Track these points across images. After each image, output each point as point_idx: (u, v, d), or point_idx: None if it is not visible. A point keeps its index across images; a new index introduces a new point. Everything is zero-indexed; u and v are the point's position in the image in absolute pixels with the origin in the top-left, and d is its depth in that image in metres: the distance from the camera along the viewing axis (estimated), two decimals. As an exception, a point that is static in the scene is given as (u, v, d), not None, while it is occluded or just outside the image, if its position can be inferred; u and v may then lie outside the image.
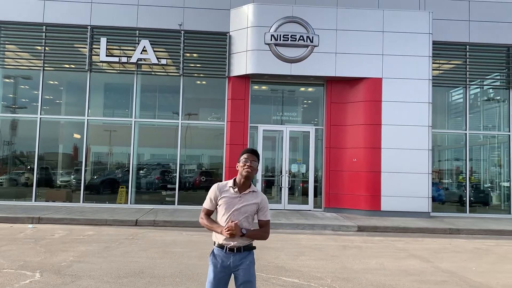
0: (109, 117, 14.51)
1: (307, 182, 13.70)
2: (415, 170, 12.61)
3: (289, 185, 13.56)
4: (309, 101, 15.10)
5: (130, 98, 13.67)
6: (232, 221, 3.14)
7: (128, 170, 13.61)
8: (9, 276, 5.63)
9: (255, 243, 3.28)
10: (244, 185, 3.26)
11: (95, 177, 14.22)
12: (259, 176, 13.47)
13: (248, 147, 13.10)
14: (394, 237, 9.77)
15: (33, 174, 13.33)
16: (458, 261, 7.44)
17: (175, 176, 13.68)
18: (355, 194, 12.79)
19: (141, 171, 14.17)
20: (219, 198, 3.24)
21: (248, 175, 3.21)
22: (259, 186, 13.46)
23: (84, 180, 13.43)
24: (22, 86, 14.22)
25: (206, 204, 3.32)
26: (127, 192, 13.41)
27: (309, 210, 13.33)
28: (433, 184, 13.20)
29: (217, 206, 3.26)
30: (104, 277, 5.74)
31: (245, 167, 3.21)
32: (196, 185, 14.14)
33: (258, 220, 3.30)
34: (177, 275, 5.96)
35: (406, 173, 12.56)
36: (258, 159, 3.29)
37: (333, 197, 13.16)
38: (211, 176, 14.26)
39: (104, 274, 5.89)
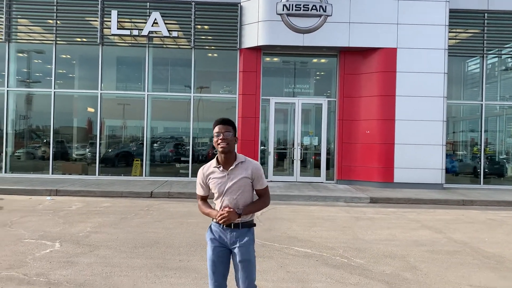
0: (122, 91, 14.57)
1: (319, 154, 13.71)
2: (429, 141, 12.51)
3: (301, 158, 13.59)
4: (322, 73, 14.92)
5: (142, 71, 13.68)
6: (224, 207, 2.91)
7: (142, 143, 13.76)
8: (30, 245, 5.83)
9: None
10: (227, 161, 2.94)
11: (110, 150, 14.43)
12: (271, 148, 13.52)
13: (260, 119, 13.11)
14: (407, 209, 9.80)
15: (49, 147, 13.59)
16: (471, 232, 7.45)
17: (188, 149, 13.80)
18: (367, 166, 12.79)
19: (155, 144, 14.32)
20: (208, 181, 3.01)
21: (224, 149, 2.86)
22: (271, 158, 13.52)
23: (99, 153, 13.65)
24: (36, 61, 14.31)
25: (198, 191, 3.10)
26: (141, 165, 13.61)
27: (321, 182, 13.39)
28: (447, 155, 13.11)
29: (210, 189, 3.04)
30: (121, 247, 5.91)
31: (218, 142, 2.86)
32: (209, 158, 14.24)
33: (255, 190, 3.02)
34: (192, 244, 6.10)
35: (419, 144, 12.47)
36: (233, 127, 2.93)
37: (346, 169, 13.18)
38: (223, 148, 14.33)
39: (121, 244, 6.06)
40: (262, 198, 3.06)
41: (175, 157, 14.29)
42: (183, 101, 14.00)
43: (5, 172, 13.45)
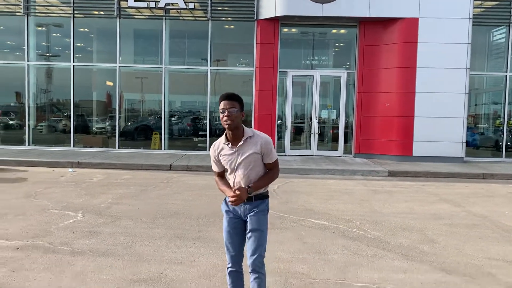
0: (139, 64, 14.59)
1: (337, 128, 13.60)
2: (449, 114, 12.27)
3: (318, 131, 13.51)
4: (341, 44, 14.62)
5: (159, 44, 13.64)
6: (235, 186, 2.92)
7: (161, 117, 13.87)
8: (54, 216, 6.02)
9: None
10: (235, 137, 2.90)
11: (129, 123, 14.59)
12: (288, 122, 13.46)
13: (277, 93, 13.01)
14: (425, 182, 9.73)
15: (69, 121, 13.82)
16: (490, 206, 7.38)
17: (205, 123, 13.86)
18: (386, 140, 12.66)
19: (172, 118, 14.41)
20: (219, 158, 3.01)
21: (230, 125, 2.81)
22: (288, 132, 13.48)
23: (119, 127, 13.83)
24: (54, 34, 14.37)
25: (213, 167, 3.11)
26: (160, 139, 13.76)
27: (339, 156, 13.34)
28: (468, 128, 12.86)
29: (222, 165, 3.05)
30: (141, 217, 6.05)
31: (223, 120, 2.81)
32: (226, 132, 14.27)
33: (265, 163, 2.98)
34: (210, 216, 6.20)
35: (440, 117, 12.25)
36: (239, 102, 2.85)
37: (364, 143, 13.07)
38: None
39: (142, 215, 6.20)
40: (271, 172, 3.01)
41: (192, 131, 14.37)
42: (200, 74, 13.96)
43: (28, 144, 13.79)
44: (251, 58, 13.44)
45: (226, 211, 3.04)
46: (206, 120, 13.82)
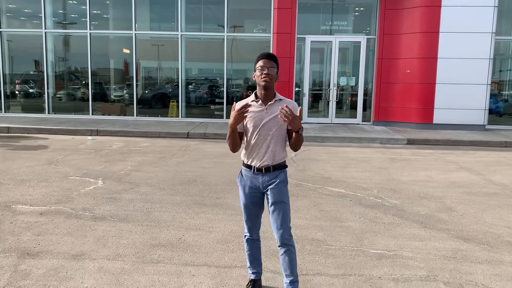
0: (155, 31, 14.47)
1: (356, 95, 13.39)
2: (472, 81, 11.92)
3: (337, 99, 13.33)
4: (361, 8, 14.16)
5: (175, 10, 13.45)
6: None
7: (178, 85, 13.85)
8: (75, 182, 6.16)
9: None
10: (266, 97, 2.84)
11: (147, 91, 14.63)
12: (306, 90, 13.29)
13: (295, 59, 12.79)
14: (445, 150, 9.58)
15: (88, 89, 13.94)
16: (511, 175, 7.24)
17: (223, 90, 13.79)
18: (406, 107, 12.42)
19: (189, 86, 14.38)
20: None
21: (267, 84, 2.76)
22: (306, 100, 13.35)
23: (136, 95, 13.89)
24: (70, 1, 14.30)
25: None
26: (177, 106, 13.79)
27: (357, 124, 13.19)
28: (491, 95, 12.50)
29: (245, 125, 2.90)
30: (160, 184, 6.14)
31: (262, 76, 2.75)
32: (243, 99, 14.17)
33: (288, 130, 2.89)
34: (227, 183, 6.26)
35: (462, 84, 11.92)
36: (277, 64, 2.81)
37: (383, 110, 12.87)
38: (258, 90, 14.19)
39: (160, 182, 6.29)
40: (299, 135, 2.86)
41: (209, 98, 14.34)
42: (216, 41, 13.79)
43: (48, 113, 14.02)
44: (268, 24, 13.18)
45: (243, 185, 2.96)
46: (223, 87, 13.75)
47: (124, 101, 14.37)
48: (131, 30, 13.47)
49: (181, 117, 13.78)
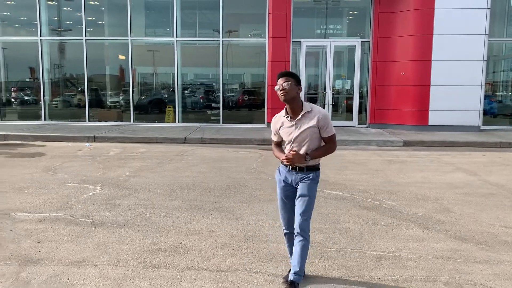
0: (151, 37, 14.50)
1: (351, 98, 13.46)
2: (467, 82, 12.03)
3: (332, 102, 13.39)
4: (355, 12, 14.28)
5: (170, 16, 13.50)
6: (293, 150, 3.10)
7: (174, 90, 13.88)
8: (74, 189, 6.16)
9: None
10: (293, 110, 3.12)
11: (143, 97, 14.65)
12: (302, 93, 13.33)
13: (290, 63, 12.86)
14: (441, 152, 9.65)
15: (84, 95, 13.94)
16: (507, 175, 7.31)
17: (219, 95, 13.83)
18: (401, 109, 12.50)
19: (186, 91, 14.41)
20: (278, 130, 3.22)
21: (286, 98, 3.03)
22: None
23: (133, 101, 13.91)
24: (65, 8, 14.32)
25: (272, 137, 3.37)
26: (174, 112, 13.82)
27: (353, 127, 13.26)
28: (485, 96, 12.60)
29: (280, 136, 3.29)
30: (159, 190, 6.16)
31: (279, 92, 3.04)
32: (240, 104, 14.26)
33: (322, 137, 3.15)
34: (226, 187, 6.28)
35: (457, 86, 12.03)
36: (293, 77, 3.07)
37: (379, 113, 12.94)
38: (253, 95, 14.28)
39: (159, 187, 6.31)
40: (328, 144, 3.17)
41: (206, 103, 14.37)
42: (212, 46, 13.83)
43: (45, 120, 14.00)
44: (263, 29, 13.25)
45: (279, 179, 3.26)
46: (219, 92, 13.79)
47: (120, 107, 14.38)
48: (127, 36, 13.51)
49: (178, 122, 13.80)
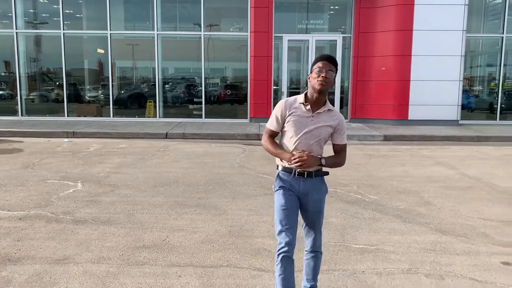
0: (131, 31, 14.28)
1: (333, 93, 13.54)
2: (445, 77, 12.26)
3: (314, 96, 13.42)
4: (337, 7, 14.35)
5: (150, 9, 13.31)
6: (303, 150, 2.54)
7: (154, 85, 13.72)
8: (54, 186, 6.04)
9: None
10: (317, 102, 2.60)
11: (122, 92, 14.44)
12: (284, 88, 13.38)
13: (272, 58, 12.84)
14: (421, 146, 9.82)
15: (62, 90, 13.64)
16: (485, 168, 7.49)
17: (201, 90, 13.74)
18: (382, 104, 12.66)
19: (166, 86, 14.27)
20: (287, 116, 2.61)
21: (322, 88, 2.52)
22: (284, 98, 13.42)
23: (112, 95, 13.69)
24: (42, 1, 13.97)
25: (271, 125, 2.69)
26: (155, 106, 13.67)
27: (335, 121, 13.33)
28: (463, 91, 12.86)
29: (284, 126, 2.65)
30: (141, 186, 6.09)
31: (318, 79, 2.51)
32: (222, 99, 14.20)
33: (333, 144, 2.71)
34: (209, 183, 6.26)
35: (436, 81, 12.24)
36: (336, 69, 2.60)
37: (360, 108, 13.07)
38: (236, 89, 14.24)
39: (141, 183, 6.24)
40: (340, 155, 2.73)
41: (187, 98, 14.26)
42: (193, 40, 13.71)
43: (21, 115, 13.66)
44: (245, 23, 13.19)
45: (282, 187, 2.67)
46: (201, 87, 13.69)
47: (99, 101, 14.14)
48: (106, 30, 13.26)
49: (159, 117, 13.66)
